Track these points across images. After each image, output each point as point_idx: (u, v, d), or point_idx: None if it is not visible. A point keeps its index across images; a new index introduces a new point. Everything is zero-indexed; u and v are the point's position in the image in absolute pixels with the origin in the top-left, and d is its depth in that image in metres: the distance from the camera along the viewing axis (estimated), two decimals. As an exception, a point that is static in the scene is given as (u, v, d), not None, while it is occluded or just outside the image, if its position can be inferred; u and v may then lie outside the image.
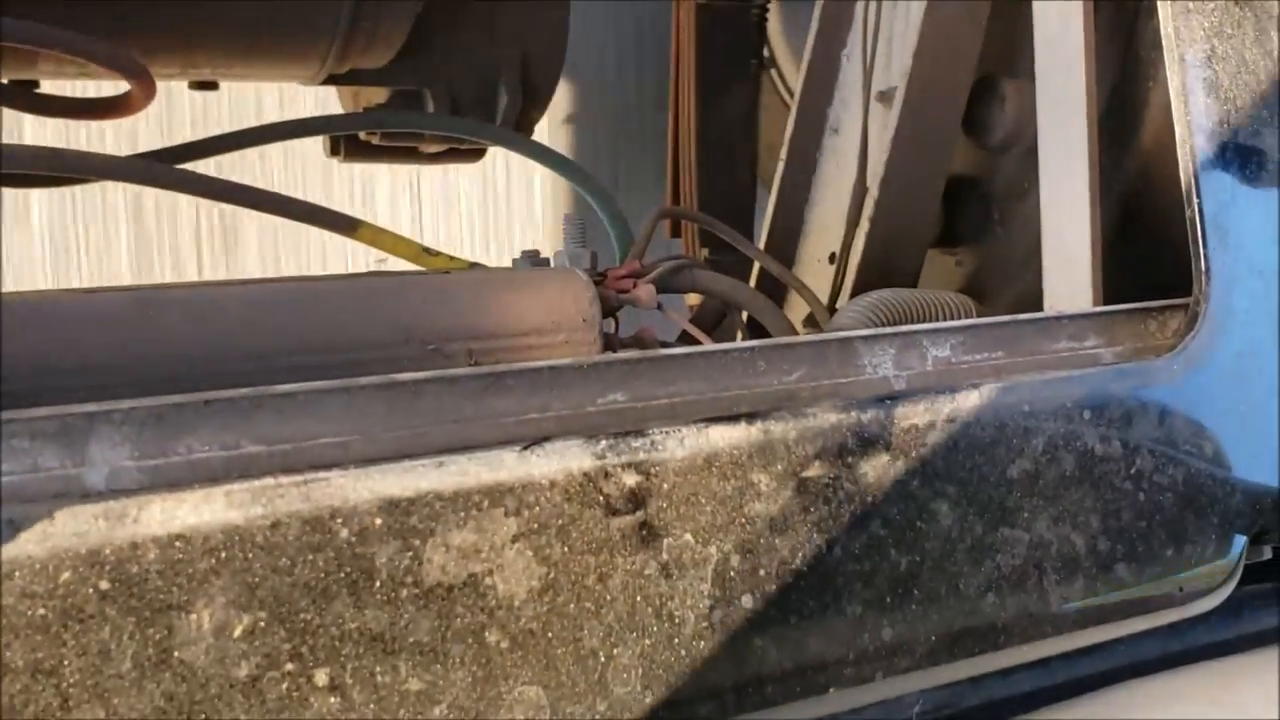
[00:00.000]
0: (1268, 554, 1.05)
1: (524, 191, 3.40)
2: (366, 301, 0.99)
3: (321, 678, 0.64)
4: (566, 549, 0.71)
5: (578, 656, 0.71)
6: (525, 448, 0.71)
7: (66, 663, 0.59)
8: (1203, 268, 0.99)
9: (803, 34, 1.63)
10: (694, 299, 1.86)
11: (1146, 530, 0.94)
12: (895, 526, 0.83)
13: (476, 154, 1.89)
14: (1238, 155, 1.02)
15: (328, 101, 2.40)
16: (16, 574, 0.58)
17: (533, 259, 1.23)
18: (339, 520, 0.65)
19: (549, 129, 2.94)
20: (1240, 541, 0.99)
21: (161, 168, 1.24)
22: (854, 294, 1.44)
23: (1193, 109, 1.00)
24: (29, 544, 0.59)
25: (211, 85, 1.66)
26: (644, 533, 0.74)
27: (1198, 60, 1.01)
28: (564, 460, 0.72)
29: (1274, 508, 1.01)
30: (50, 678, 0.59)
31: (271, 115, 2.97)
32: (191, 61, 1.52)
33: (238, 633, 0.63)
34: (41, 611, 0.59)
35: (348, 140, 1.79)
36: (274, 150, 3.03)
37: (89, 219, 2.97)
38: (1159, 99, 1.38)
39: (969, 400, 0.87)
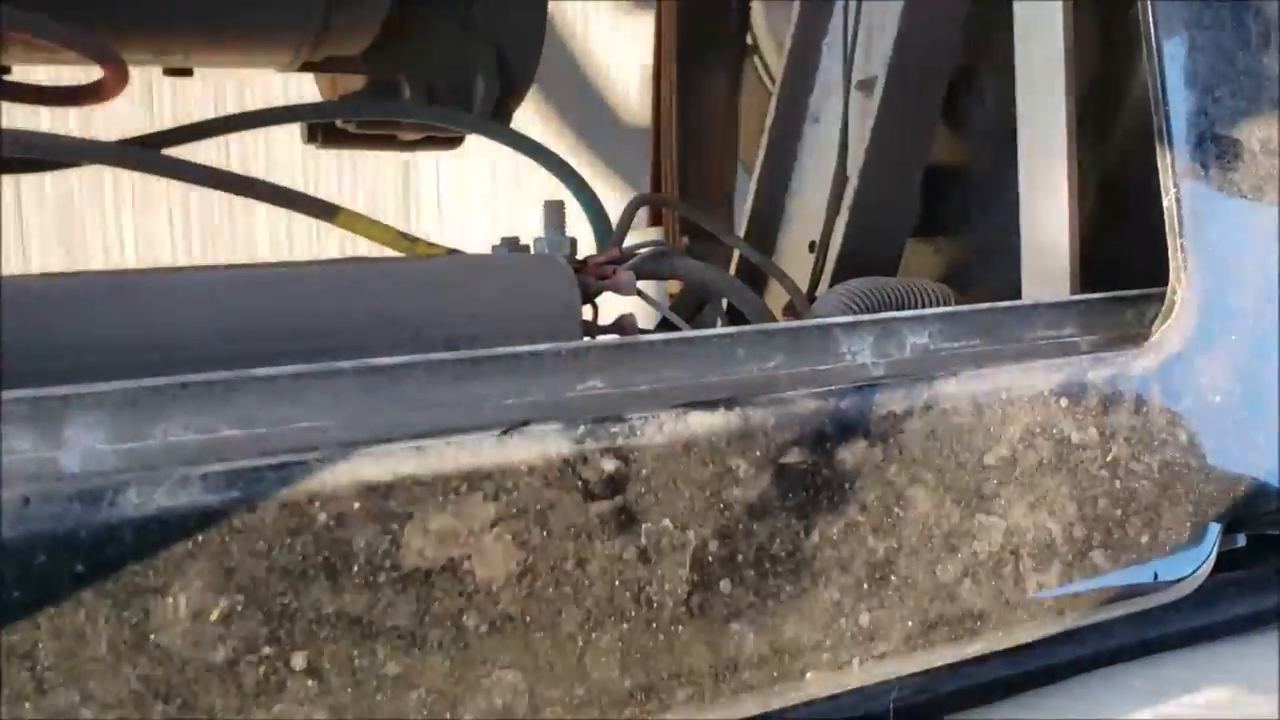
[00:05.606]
0: (1241, 542, 1.06)
1: (503, 180, 3.40)
2: (344, 286, 0.99)
3: (299, 661, 0.64)
4: (545, 533, 0.71)
5: (556, 640, 0.71)
6: (504, 432, 0.71)
7: (42, 646, 0.59)
8: (1180, 257, 0.99)
9: (785, 21, 1.64)
10: (674, 286, 1.86)
11: (1122, 517, 0.94)
12: (873, 512, 0.83)
13: (453, 141, 1.89)
14: (1215, 145, 1.02)
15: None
16: (-10, 558, 0.58)
17: (512, 245, 1.22)
18: (317, 504, 0.65)
19: (534, 117, 2.94)
20: (1214, 529, 1.00)
21: (139, 151, 1.23)
22: (834, 282, 1.44)
23: (1171, 99, 1.01)
24: (3, 527, 0.58)
25: (186, 72, 1.64)
26: (622, 518, 0.74)
27: (1177, 50, 1.01)
28: (543, 445, 0.72)
29: (1247, 496, 1.02)
30: (25, 660, 0.58)
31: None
32: (164, 47, 1.50)
33: (215, 616, 0.62)
34: (16, 594, 0.58)
35: (325, 127, 1.78)
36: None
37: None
38: (1138, 89, 1.38)
39: (947, 387, 0.87)
